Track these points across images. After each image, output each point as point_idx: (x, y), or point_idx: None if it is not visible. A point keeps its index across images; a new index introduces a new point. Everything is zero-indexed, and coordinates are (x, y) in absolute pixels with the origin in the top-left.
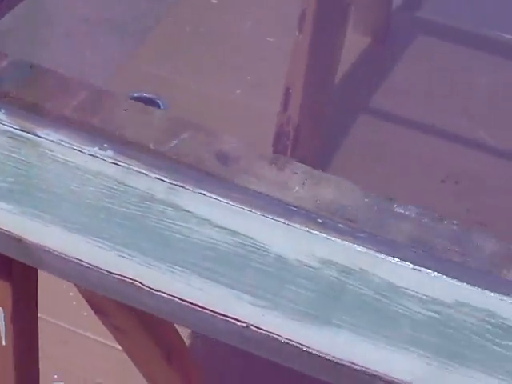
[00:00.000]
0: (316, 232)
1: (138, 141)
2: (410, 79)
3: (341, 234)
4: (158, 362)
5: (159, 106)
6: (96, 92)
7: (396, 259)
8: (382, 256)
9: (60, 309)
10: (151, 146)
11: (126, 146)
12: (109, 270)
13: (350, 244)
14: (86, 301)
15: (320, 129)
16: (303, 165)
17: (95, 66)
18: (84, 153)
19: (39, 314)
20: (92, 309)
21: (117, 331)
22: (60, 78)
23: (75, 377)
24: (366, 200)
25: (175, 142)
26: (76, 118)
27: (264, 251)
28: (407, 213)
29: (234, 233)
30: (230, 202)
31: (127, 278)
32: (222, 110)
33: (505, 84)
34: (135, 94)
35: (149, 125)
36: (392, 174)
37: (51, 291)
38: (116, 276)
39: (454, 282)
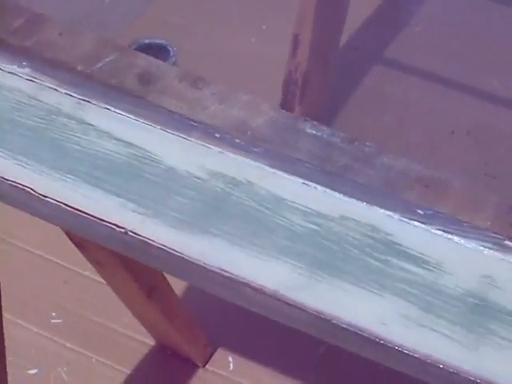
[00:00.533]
0: (211, 146)
1: (64, 62)
2: (426, 31)
3: (235, 148)
4: (139, 298)
5: (169, 52)
6: (35, 17)
7: (286, 173)
8: (273, 170)
9: (61, 248)
10: (78, 67)
11: (45, 64)
12: (4, 176)
13: (243, 158)
14: (66, 235)
15: (328, 76)
16: (224, 87)
17: (113, 14)
18: (4, 70)
19: (41, 253)
20: (73, 243)
21: (98, 265)
22: (4, 4)
23: (72, 315)
24: (280, 120)
25: (101, 63)
26: (10, 40)
27: (156, 163)
28: (319, 134)
29: (130, 145)
30: (132, 117)
31: (20, 184)
32: (235, 58)
33: None
34: (146, 41)
35: (79, 47)
36: (403, 125)
37: (53, 231)
38: (10, 182)
39: (342, 196)
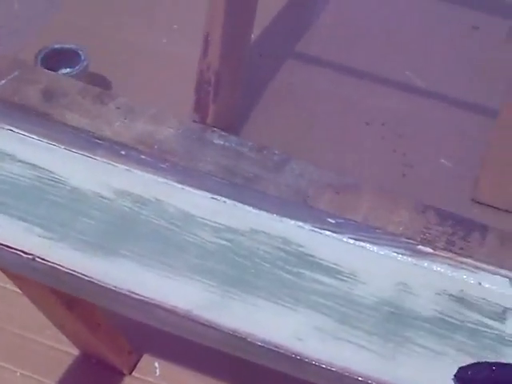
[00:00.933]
0: (117, 164)
1: None
2: (335, 26)
3: (142, 165)
4: (59, 310)
5: (80, 57)
6: None
7: (194, 189)
8: (181, 186)
9: None
10: None
11: None
12: None
13: (150, 175)
14: None
15: (241, 74)
16: (128, 101)
17: (22, 20)
18: None
19: None
20: None
21: (15, 279)
22: None
23: None
24: (187, 133)
25: (3, 81)
26: None
27: (61, 184)
28: (227, 144)
29: (34, 167)
30: (36, 137)
31: None
32: (148, 59)
33: (432, 25)
34: (56, 46)
35: None
36: (317, 117)
37: None
38: None
39: (252, 209)
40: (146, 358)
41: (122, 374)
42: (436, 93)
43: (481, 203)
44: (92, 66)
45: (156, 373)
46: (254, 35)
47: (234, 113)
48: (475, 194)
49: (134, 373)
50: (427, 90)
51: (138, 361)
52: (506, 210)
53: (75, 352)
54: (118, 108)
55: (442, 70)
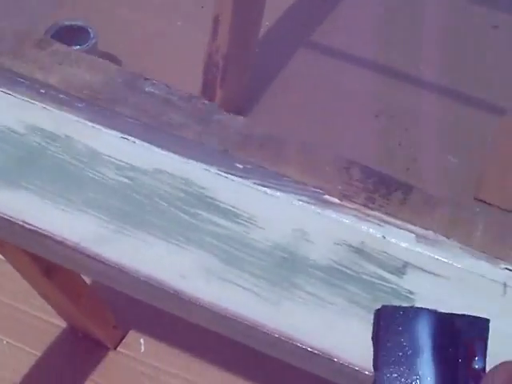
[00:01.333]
0: (35, 102)
1: None
2: (352, 17)
3: (59, 103)
4: (39, 278)
5: (89, 34)
6: None
7: (105, 128)
8: (92, 124)
9: None
10: None
11: None
12: None
13: (64, 113)
14: None
15: (250, 60)
16: (69, 48)
17: None
18: None
19: None
20: None
21: None
22: None
23: None
24: (118, 79)
25: None
26: None
27: None
28: (156, 91)
29: None
30: None
31: None
32: (160, 40)
33: (452, 22)
34: (66, 22)
35: None
36: (326, 107)
37: None
38: None
39: (160, 150)
40: (132, 334)
41: (107, 349)
42: (448, 89)
43: (483, 201)
44: (102, 45)
45: (141, 349)
46: (269, 22)
47: (240, 98)
48: (478, 192)
49: (118, 348)
50: (439, 86)
51: (124, 336)
52: (506, 210)
53: (63, 324)
54: (55, 54)
55: (457, 67)
